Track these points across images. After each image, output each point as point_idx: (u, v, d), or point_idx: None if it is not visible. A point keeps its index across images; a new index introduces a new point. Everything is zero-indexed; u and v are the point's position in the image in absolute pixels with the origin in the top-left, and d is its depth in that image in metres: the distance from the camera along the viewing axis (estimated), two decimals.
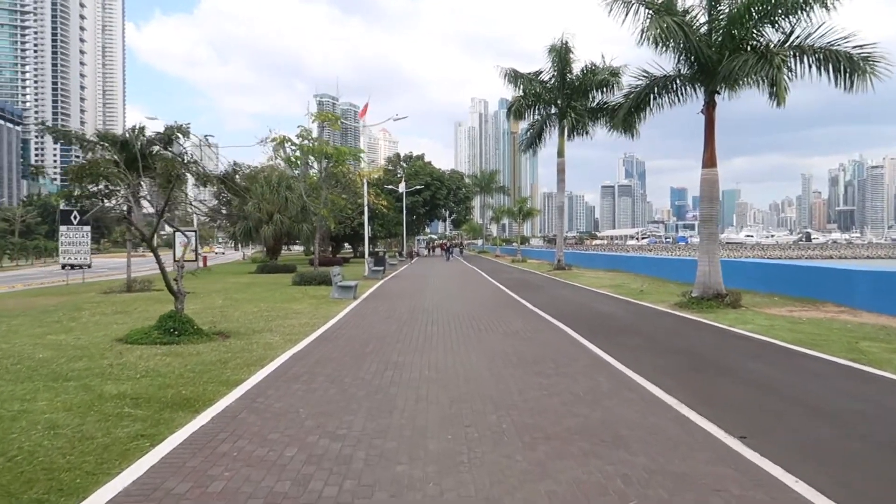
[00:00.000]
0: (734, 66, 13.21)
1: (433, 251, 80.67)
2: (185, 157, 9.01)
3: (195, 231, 41.69)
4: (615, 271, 30.96)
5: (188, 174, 8.71)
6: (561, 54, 31.04)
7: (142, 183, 9.42)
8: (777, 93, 12.93)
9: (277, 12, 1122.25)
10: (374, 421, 5.56)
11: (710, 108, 14.88)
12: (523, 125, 35.55)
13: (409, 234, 75.22)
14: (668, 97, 16.05)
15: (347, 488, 4.05)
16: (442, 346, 9.44)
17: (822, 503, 3.88)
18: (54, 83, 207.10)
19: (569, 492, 3.99)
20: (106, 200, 10.09)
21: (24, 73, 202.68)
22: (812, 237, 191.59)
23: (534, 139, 33.58)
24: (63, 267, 25.14)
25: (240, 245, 59.51)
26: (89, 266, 24.99)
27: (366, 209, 28.76)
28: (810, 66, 13.60)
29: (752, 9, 13.39)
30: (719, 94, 14.87)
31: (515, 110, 31.86)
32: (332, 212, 23.54)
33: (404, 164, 73.65)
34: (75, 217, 24.34)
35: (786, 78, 13.03)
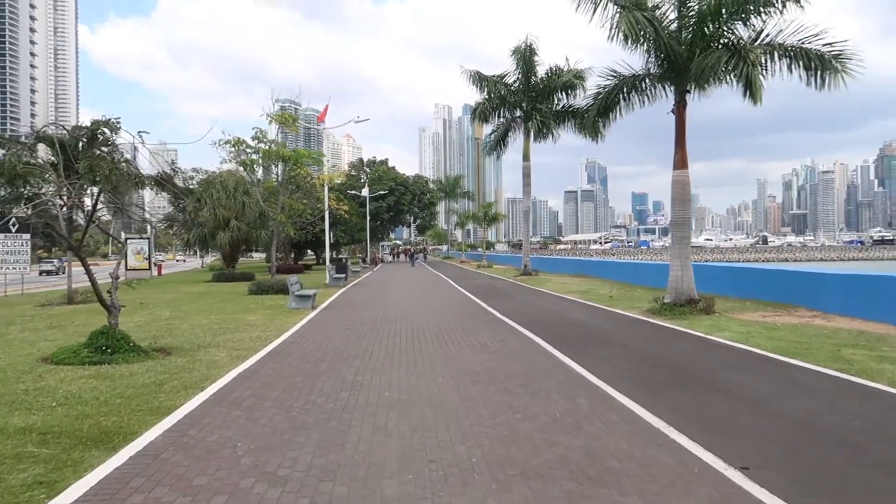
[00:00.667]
0: (706, 63, 12.80)
1: (398, 257, 79.77)
2: (114, 156, 8.05)
3: (148, 238, 40.21)
4: (582, 276, 30.60)
5: (116, 175, 7.74)
6: (525, 57, 30.63)
7: (68, 185, 8.38)
8: (752, 91, 12.56)
9: (236, 16, 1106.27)
10: (322, 457, 4.76)
11: (680, 108, 14.48)
12: (487, 129, 35.05)
13: (374, 241, 74.18)
14: (638, 97, 15.62)
15: None
16: (404, 363, 8.66)
17: None
18: (2, 86, 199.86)
19: None
20: (32, 205, 8.99)
21: None
22: (768, 240, 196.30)
23: (498, 142, 33.08)
24: (40, 273, 23.60)
25: (198, 253, 57.71)
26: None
27: (326, 214, 27.78)
28: (781, 65, 13.29)
29: (722, 5, 13.00)
30: (689, 93, 14.48)
31: (480, 113, 31.29)
32: (291, 217, 22.56)
33: (368, 170, 72.63)
34: (13, 224, 22.90)
35: (759, 76, 12.66)
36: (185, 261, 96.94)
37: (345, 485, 4.20)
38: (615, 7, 13.72)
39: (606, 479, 4.27)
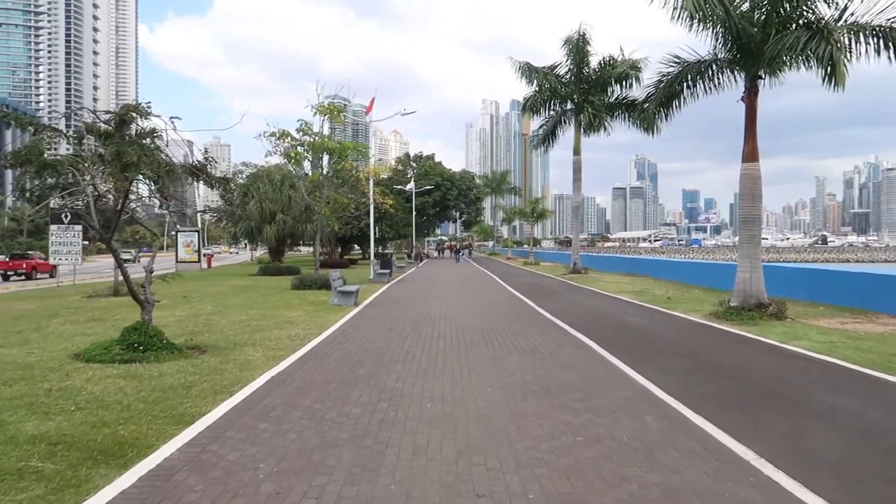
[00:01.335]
0: (784, 44, 11.66)
1: (443, 253, 79.26)
2: (142, 142, 7.59)
3: (197, 231, 40.66)
4: (634, 275, 29.37)
5: (146, 162, 7.27)
6: (577, 46, 29.50)
7: (96, 174, 7.98)
8: (835, 75, 11.36)
9: (290, 15, 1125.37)
10: (354, 485, 4.11)
11: (751, 95, 13.33)
12: (535, 124, 33.97)
13: (419, 236, 73.87)
14: (703, 85, 14.51)
15: None
16: (448, 369, 7.97)
17: None
18: (67, 84, 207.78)
19: None
20: (66, 194, 8.66)
21: (37, 73, 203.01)
22: (828, 240, 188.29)
23: (547, 135, 32.01)
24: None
25: (247, 245, 58.33)
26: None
27: (371, 208, 27.33)
28: (868, 47, 12.01)
29: None
30: (762, 79, 13.32)
31: (530, 105, 30.29)
32: (335, 211, 22.16)
33: (414, 165, 72.25)
34: (66, 216, 23.18)
35: (844, 59, 11.44)
36: (237, 253, 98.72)
37: None
38: None
39: None
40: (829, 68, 11.53)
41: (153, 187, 10.25)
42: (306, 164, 21.29)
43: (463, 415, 5.82)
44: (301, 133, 20.51)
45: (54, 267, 32.06)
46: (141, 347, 8.49)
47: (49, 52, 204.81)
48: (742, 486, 4.14)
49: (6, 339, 10.20)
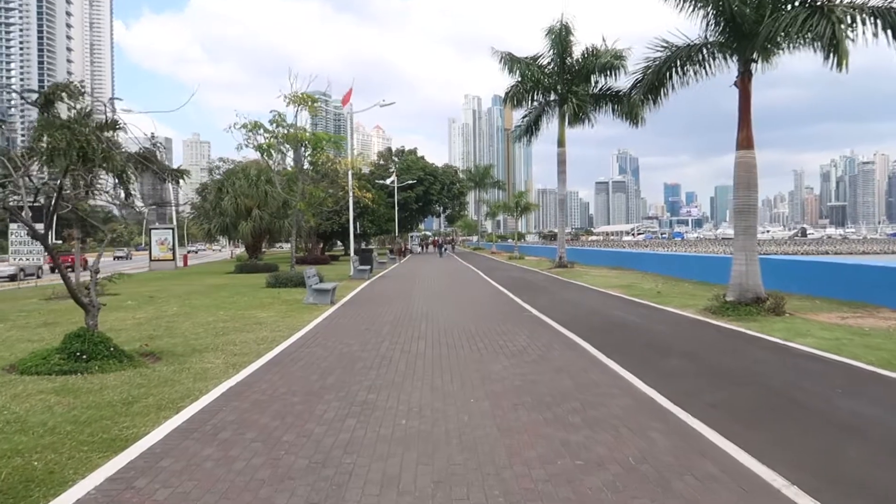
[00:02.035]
0: (780, 24, 10.96)
1: (427, 248, 78.44)
2: (73, 126, 6.67)
3: (172, 229, 39.49)
4: (620, 269, 28.78)
5: (76, 149, 6.36)
6: (560, 36, 28.79)
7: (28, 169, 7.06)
8: (838, 53, 10.69)
9: (268, 10, 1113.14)
10: None
11: (745, 80, 12.65)
12: (518, 116, 33.19)
13: (403, 231, 72.92)
14: (693, 69, 13.81)
15: None
16: (428, 375, 7.18)
17: None
18: (41, 81, 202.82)
19: None
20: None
21: (9, 70, 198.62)
22: (807, 232, 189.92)
23: (530, 126, 31.27)
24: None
25: (229, 242, 56.89)
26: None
27: (350, 202, 26.41)
28: (865, 29, 11.36)
29: None
30: (756, 62, 12.64)
31: (512, 96, 29.50)
32: (311, 205, 21.24)
33: (396, 159, 71.21)
34: (26, 213, 22.04)
35: (846, 36, 10.77)
36: (220, 250, 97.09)
37: None
38: None
39: None
40: (829, 48, 10.86)
41: (114, 182, 9.43)
42: (281, 158, 20.30)
43: (443, 434, 5.03)
44: (274, 125, 19.57)
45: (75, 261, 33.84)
46: (84, 357, 7.59)
47: (21, 48, 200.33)
48: None
49: None
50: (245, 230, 30.53)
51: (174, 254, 38.54)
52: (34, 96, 6.83)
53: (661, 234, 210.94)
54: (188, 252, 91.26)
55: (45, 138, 6.34)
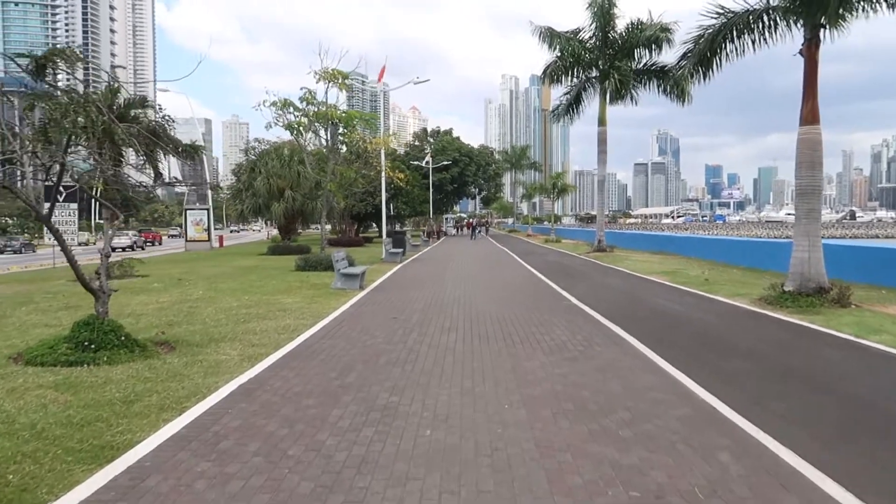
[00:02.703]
0: None
1: (462, 230, 77.67)
2: (72, 95, 6.09)
3: (206, 209, 39.57)
4: (662, 253, 27.60)
5: (73, 122, 5.82)
6: (603, 8, 27.45)
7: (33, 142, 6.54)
8: None
9: None
10: None
11: (812, 48, 11.50)
12: (556, 94, 32.01)
13: (437, 213, 72.27)
14: (752, 39, 12.68)
15: None
16: (458, 374, 6.50)
17: None
18: (86, 63, 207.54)
19: None
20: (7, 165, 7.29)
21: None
22: (857, 215, 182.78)
23: (570, 105, 30.10)
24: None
25: (267, 223, 57.04)
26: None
27: (383, 183, 25.77)
28: None
29: None
30: (824, 28, 11.47)
31: (551, 73, 28.29)
32: (341, 186, 20.67)
33: (431, 140, 70.35)
34: (60, 193, 22.05)
35: None
36: (260, 230, 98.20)
37: None
38: None
39: None
40: None
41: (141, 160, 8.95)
42: (313, 137, 19.70)
43: (472, 450, 4.34)
44: (305, 102, 18.97)
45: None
46: (92, 346, 7.12)
47: (66, 31, 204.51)
48: None
49: None
50: (277, 211, 30.24)
51: (209, 234, 38.62)
52: (26, 61, 6.26)
53: (702, 216, 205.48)
54: (232, 231, 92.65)
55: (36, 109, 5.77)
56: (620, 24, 27.86)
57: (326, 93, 18.31)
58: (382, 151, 25.60)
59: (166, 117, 7.93)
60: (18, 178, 6.83)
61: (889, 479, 3.92)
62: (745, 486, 3.76)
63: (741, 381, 6.30)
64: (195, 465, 4.08)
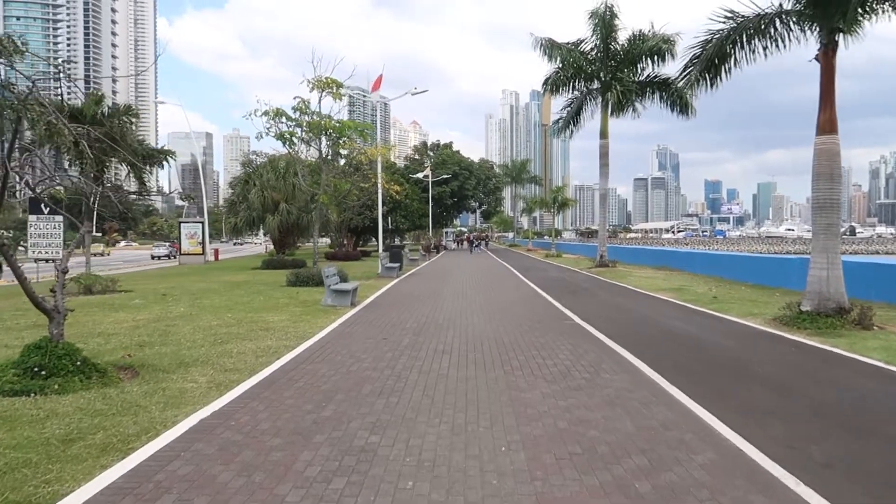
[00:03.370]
0: None
1: (461, 244, 77.02)
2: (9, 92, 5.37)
3: (202, 222, 38.88)
4: (666, 269, 26.88)
5: None
6: (605, 20, 26.95)
7: None
8: None
9: (306, 4, 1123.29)
10: None
11: (828, 53, 10.86)
12: (556, 106, 31.50)
13: (437, 227, 71.63)
14: (763, 45, 12.06)
15: None
16: (449, 407, 5.76)
17: None
18: (87, 76, 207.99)
19: None
20: None
21: (57, 66, 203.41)
22: (856, 231, 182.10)
23: (571, 118, 29.51)
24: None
25: (266, 236, 56.20)
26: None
27: (380, 195, 25.11)
28: None
29: None
30: (843, 31, 10.84)
31: (552, 83, 27.74)
32: (335, 198, 19.99)
33: (431, 153, 69.90)
34: (45, 205, 21.38)
35: None
36: (260, 244, 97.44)
37: None
38: None
39: None
40: None
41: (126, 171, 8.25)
42: (301, 146, 19.00)
43: None
44: (298, 112, 18.35)
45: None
46: (43, 373, 6.39)
47: (68, 44, 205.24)
48: None
49: None
50: (272, 224, 29.55)
51: (204, 248, 37.89)
52: None
53: (703, 231, 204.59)
54: (235, 244, 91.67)
55: None
56: (622, 36, 27.39)
57: (320, 102, 17.72)
58: (379, 162, 24.95)
59: (127, 119, 7.24)
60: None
61: None
62: None
63: (768, 417, 5.56)
64: None
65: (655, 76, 27.31)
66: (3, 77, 5.97)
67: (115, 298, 15.45)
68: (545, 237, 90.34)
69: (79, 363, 6.70)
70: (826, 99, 10.90)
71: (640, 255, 37.21)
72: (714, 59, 12.81)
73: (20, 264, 6.76)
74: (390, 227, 45.07)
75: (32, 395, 6.08)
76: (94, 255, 63.36)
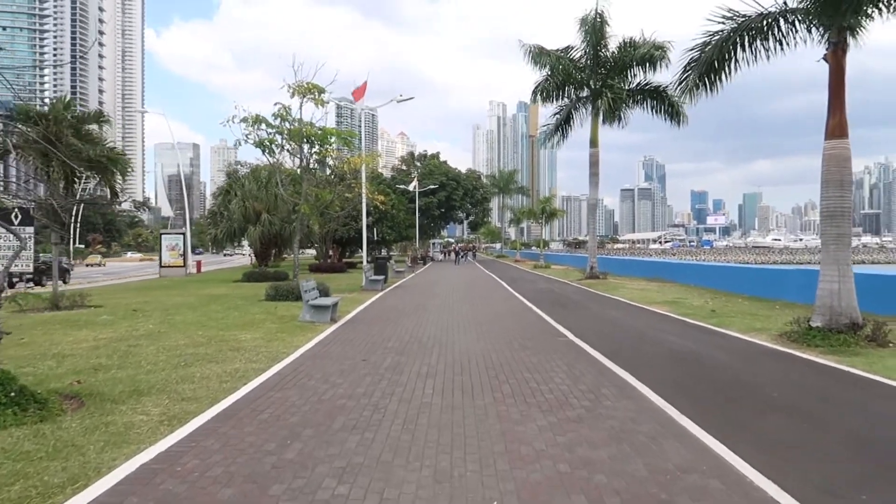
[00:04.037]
0: None
1: (449, 255, 76.38)
2: None
3: (183, 234, 37.90)
4: (658, 280, 26.31)
5: None
6: (594, 27, 26.48)
7: None
8: None
9: (296, 17, 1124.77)
10: None
11: (837, 54, 10.29)
12: (545, 114, 30.99)
13: (424, 238, 70.91)
14: (765, 46, 11.50)
15: None
16: (432, 446, 5.00)
17: None
18: (73, 87, 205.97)
19: None
20: None
21: (42, 76, 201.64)
22: None
23: (559, 126, 28.97)
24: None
25: (245, 248, 55.26)
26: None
27: (363, 205, 24.35)
28: None
29: None
30: (850, 30, 10.28)
31: (541, 90, 27.18)
32: (317, 208, 19.23)
33: (418, 164, 69.33)
34: (16, 216, 20.46)
35: None
36: (246, 255, 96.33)
37: None
38: None
39: None
40: None
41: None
42: (280, 153, 18.26)
43: None
44: (279, 119, 17.60)
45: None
46: None
47: (54, 55, 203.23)
48: None
49: None
50: (253, 235, 28.68)
51: (185, 260, 36.87)
52: None
53: (689, 241, 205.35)
54: (225, 255, 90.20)
55: None
56: (612, 44, 26.93)
57: (301, 108, 16.96)
58: (363, 171, 24.21)
59: (77, 118, 6.49)
60: None
61: None
62: None
63: (797, 454, 4.86)
64: None
65: (647, 84, 26.89)
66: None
67: (82, 314, 14.56)
68: (533, 248, 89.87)
69: (13, 394, 5.89)
70: (835, 101, 10.32)
71: (630, 266, 36.67)
72: (714, 62, 12.24)
73: None
74: (376, 238, 44.23)
75: None
76: (89, 265, 62.23)
